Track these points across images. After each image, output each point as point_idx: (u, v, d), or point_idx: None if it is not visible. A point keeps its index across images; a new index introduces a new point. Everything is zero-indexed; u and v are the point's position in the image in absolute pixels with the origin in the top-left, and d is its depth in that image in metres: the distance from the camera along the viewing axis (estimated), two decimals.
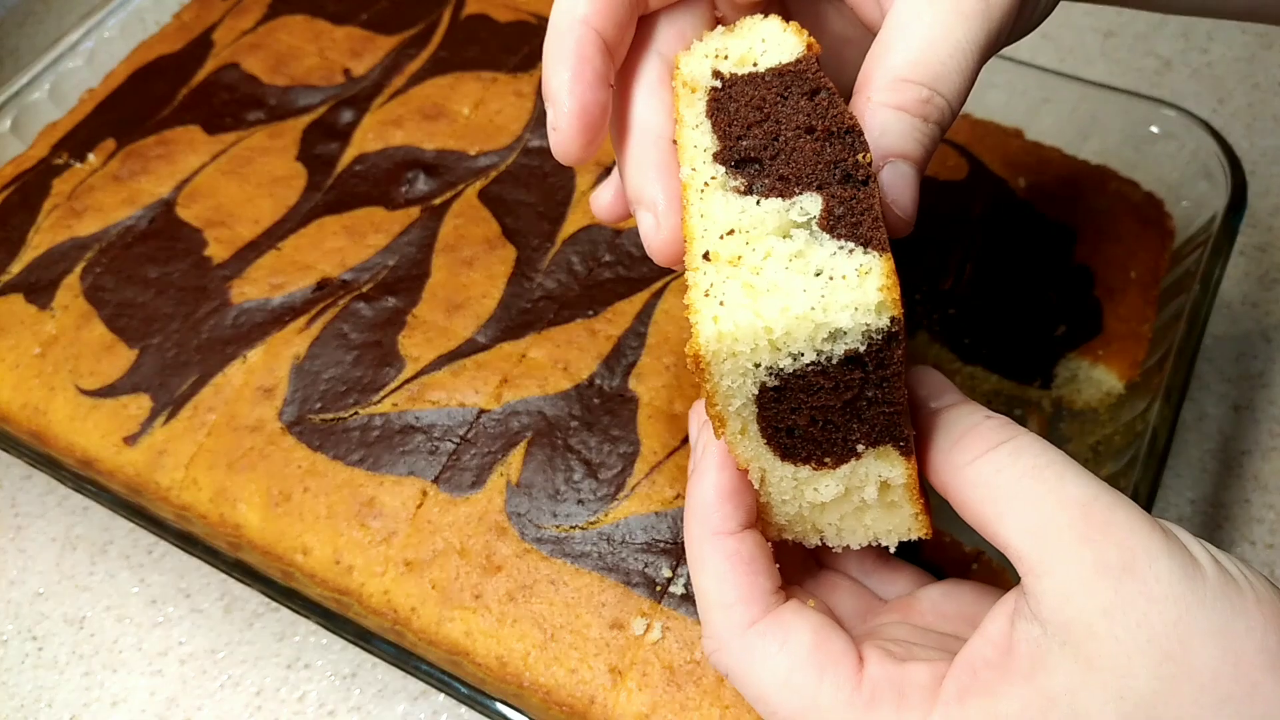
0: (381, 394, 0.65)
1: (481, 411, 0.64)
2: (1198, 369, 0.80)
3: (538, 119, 0.79)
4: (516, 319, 0.68)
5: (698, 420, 0.48)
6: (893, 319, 0.36)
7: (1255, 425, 0.78)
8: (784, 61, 0.43)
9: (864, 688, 0.40)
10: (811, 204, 0.39)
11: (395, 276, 0.71)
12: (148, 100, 0.83)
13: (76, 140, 0.82)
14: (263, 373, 0.67)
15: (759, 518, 0.46)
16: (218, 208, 0.75)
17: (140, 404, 0.67)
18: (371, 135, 0.79)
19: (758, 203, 0.40)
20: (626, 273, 0.70)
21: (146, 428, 0.67)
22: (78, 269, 0.73)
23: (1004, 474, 0.40)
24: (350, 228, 0.74)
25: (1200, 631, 0.35)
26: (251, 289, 0.71)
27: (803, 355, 0.38)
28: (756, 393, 0.40)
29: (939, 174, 0.75)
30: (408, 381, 0.66)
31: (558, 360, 0.66)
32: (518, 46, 0.84)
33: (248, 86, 0.83)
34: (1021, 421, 0.74)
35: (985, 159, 0.76)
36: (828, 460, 0.42)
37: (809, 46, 0.43)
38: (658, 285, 0.69)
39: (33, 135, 0.84)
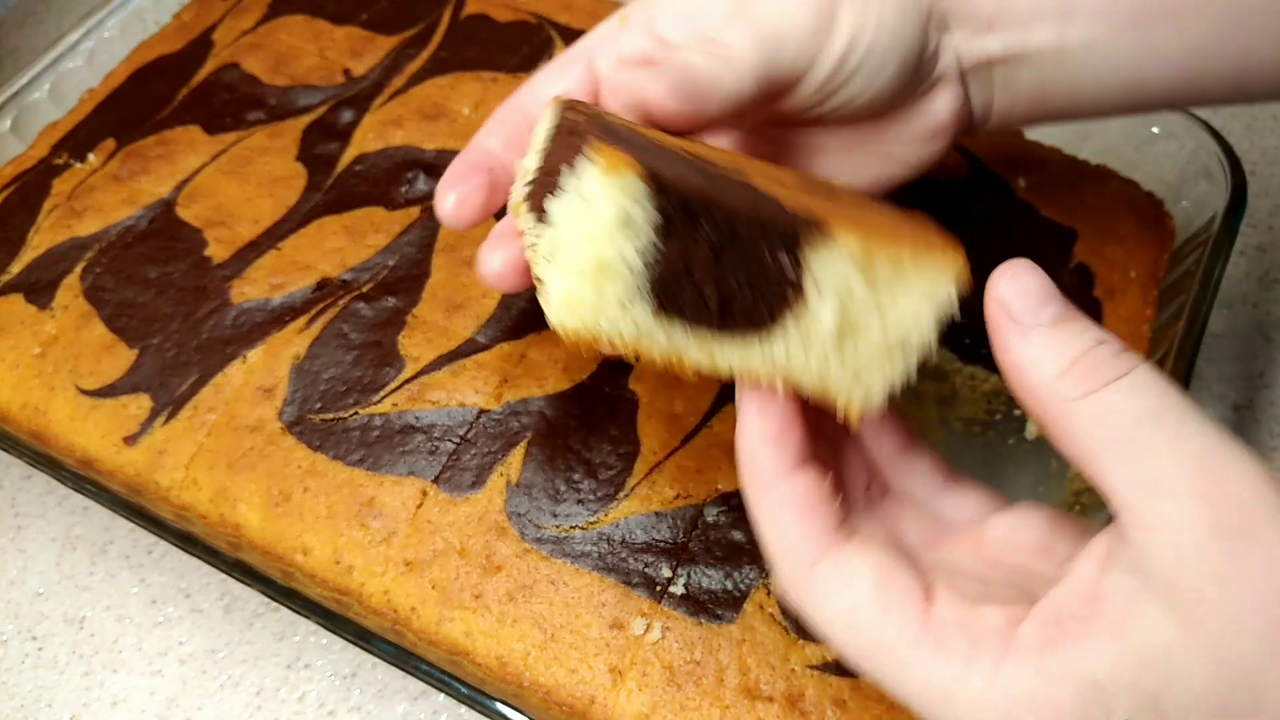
0: (381, 394, 0.65)
1: (481, 411, 0.64)
2: (1197, 369, 0.80)
3: None
4: (517, 319, 0.68)
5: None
6: (640, 173, 0.37)
7: (1255, 425, 0.78)
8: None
9: (931, 626, 0.38)
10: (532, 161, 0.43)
11: (395, 276, 0.71)
12: (148, 100, 0.84)
13: (76, 140, 0.82)
14: (263, 373, 0.67)
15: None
16: (218, 208, 0.76)
17: (140, 404, 0.67)
18: (372, 135, 0.79)
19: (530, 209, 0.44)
20: None
21: (146, 428, 0.67)
22: (78, 269, 0.73)
23: (1120, 415, 0.36)
24: (350, 228, 0.74)
25: None
26: (251, 289, 0.71)
27: (635, 262, 0.38)
28: (652, 314, 0.40)
29: (938, 173, 0.75)
30: (408, 381, 0.66)
31: (558, 360, 0.66)
32: (518, 46, 0.84)
33: (248, 86, 0.83)
34: (1021, 421, 0.74)
35: (985, 159, 0.76)
36: (772, 313, 0.40)
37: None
38: None
39: (32, 135, 0.84)
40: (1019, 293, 0.40)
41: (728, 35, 0.48)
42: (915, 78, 0.53)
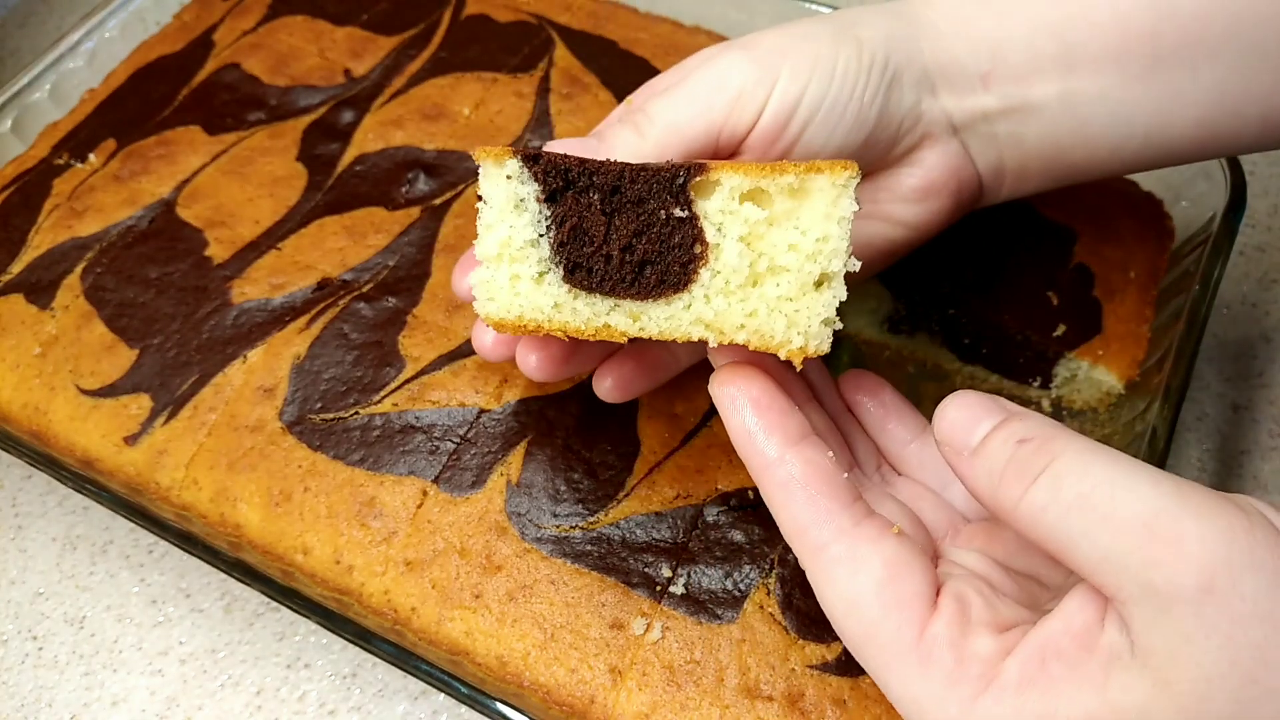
0: (382, 394, 0.65)
1: (482, 411, 0.64)
2: (1197, 369, 0.80)
3: (538, 119, 0.79)
4: None
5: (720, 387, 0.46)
6: (515, 154, 0.42)
7: (1255, 425, 0.78)
8: None
9: (925, 640, 0.39)
10: None
11: (395, 276, 0.71)
12: (148, 100, 0.84)
13: (77, 140, 0.82)
14: (263, 372, 0.67)
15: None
16: (218, 208, 0.76)
17: (141, 404, 0.67)
18: (372, 135, 0.79)
19: None
20: None
21: (147, 427, 0.67)
22: (78, 269, 0.73)
23: (1049, 512, 0.37)
24: (351, 228, 0.74)
25: None
26: (252, 289, 0.71)
27: (532, 235, 0.43)
28: (566, 286, 0.43)
29: None
30: (408, 381, 0.66)
31: None
32: (518, 47, 0.84)
33: (248, 87, 0.83)
34: None
35: None
36: (684, 268, 0.43)
37: None
38: None
39: (33, 135, 0.84)
40: (949, 428, 0.43)
41: (654, 106, 0.51)
42: (887, 134, 0.54)
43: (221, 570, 0.62)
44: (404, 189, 0.76)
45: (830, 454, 0.44)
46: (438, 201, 0.75)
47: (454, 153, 0.78)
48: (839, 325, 0.43)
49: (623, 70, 0.82)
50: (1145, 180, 0.77)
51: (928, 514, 0.48)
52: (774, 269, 0.42)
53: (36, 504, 0.77)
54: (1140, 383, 0.69)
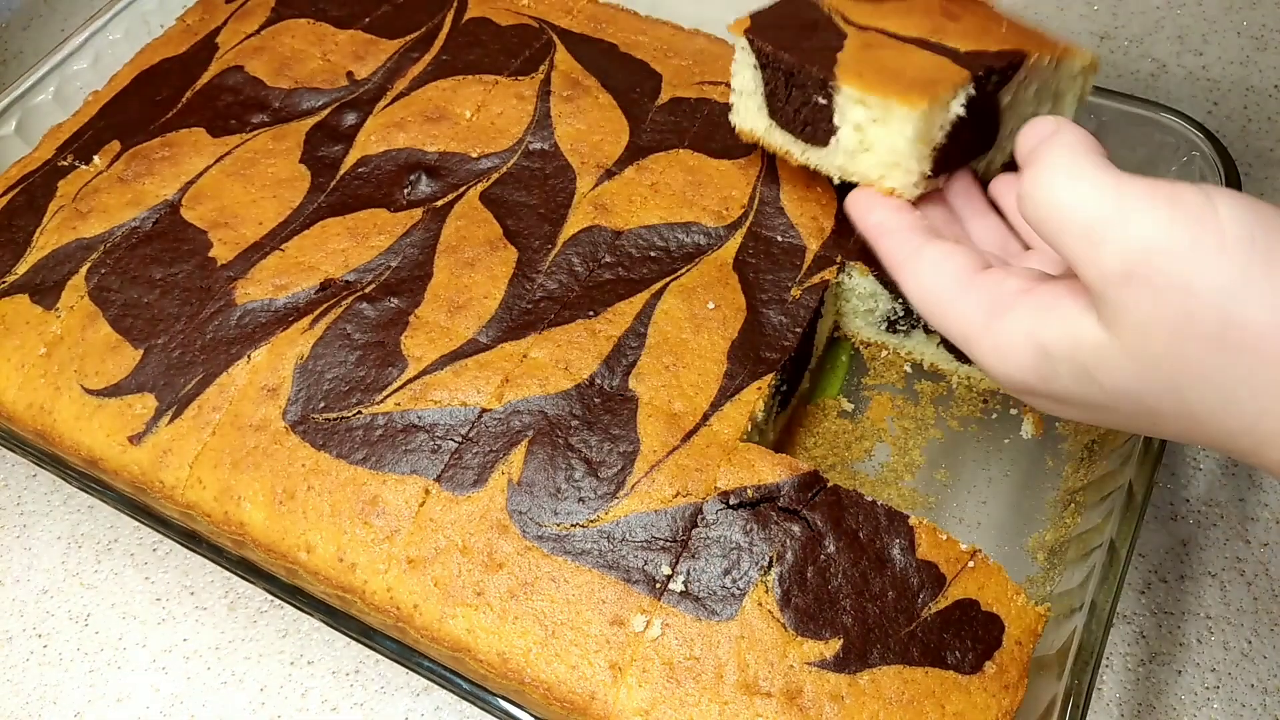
0: (384, 393, 0.66)
1: (483, 411, 0.65)
2: None
3: (538, 121, 0.80)
4: (518, 319, 0.69)
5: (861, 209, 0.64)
6: (747, 43, 0.68)
7: None
8: None
9: (975, 280, 0.52)
10: None
11: (398, 277, 0.72)
12: (152, 103, 0.84)
13: (81, 142, 0.82)
14: (267, 372, 0.68)
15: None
16: (222, 209, 0.76)
17: (145, 403, 0.68)
18: (374, 138, 0.80)
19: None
20: (627, 274, 0.71)
21: (151, 427, 0.67)
22: (83, 270, 0.74)
23: (1031, 212, 0.48)
24: (353, 229, 0.74)
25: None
26: (256, 290, 0.72)
27: (750, 87, 0.70)
28: (768, 119, 0.70)
29: None
30: (410, 381, 0.66)
31: (559, 360, 0.67)
32: (519, 50, 0.85)
33: (251, 89, 0.84)
34: (1017, 420, 0.75)
35: None
36: (825, 134, 0.66)
37: None
38: (657, 286, 0.70)
39: (37, 137, 0.84)
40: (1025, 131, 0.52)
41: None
42: None
43: (225, 568, 0.62)
44: (406, 190, 0.77)
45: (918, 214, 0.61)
46: (440, 203, 0.76)
47: (456, 155, 0.78)
48: (926, 175, 0.63)
49: (623, 72, 0.83)
50: None
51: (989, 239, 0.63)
52: (873, 145, 0.63)
53: (41, 502, 0.78)
54: None
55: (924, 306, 0.55)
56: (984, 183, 0.67)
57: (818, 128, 0.66)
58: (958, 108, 0.61)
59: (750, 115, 0.71)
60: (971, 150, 0.66)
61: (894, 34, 0.67)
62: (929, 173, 0.63)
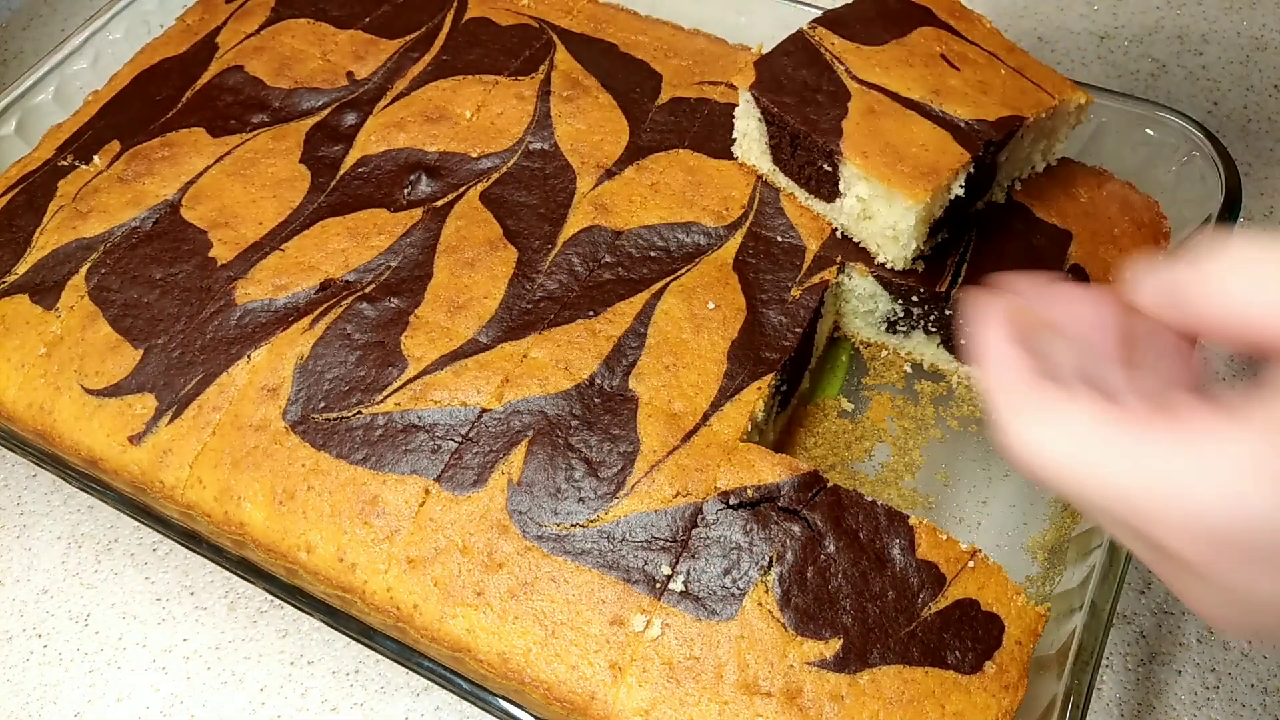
0: (384, 393, 0.66)
1: (483, 411, 0.65)
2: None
3: (538, 121, 0.80)
4: (518, 319, 0.69)
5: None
6: (754, 100, 0.72)
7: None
8: None
9: (1153, 418, 0.38)
10: None
11: (398, 277, 0.72)
12: (152, 103, 0.84)
13: (81, 142, 0.82)
14: (267, 372, 0.68)
15: None
16: (222, 209, 0.76)
17: (145, 403, 0.68)
18: (374, 138, 0.80)
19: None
20: (627, 274, 0.71)
21: (151, 427, 0.67)
22: (83, 270, 0.74)
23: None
24: (353, 229, 0.74)
25: None
26: (256, 290, 0.72)
27: (756, 133, 0.73)
28: (771, 161, 0.74)
29: None
30: (410, 381, 0.66)
31: (559, 360, 0.67)
32: (519, 50, 0.85)
33: (252, 89, 0.84)
34: None
35: None
36: (833, 192, 0.70)
37: None
38: (657, 286, 0.70)
39: (38, 137, 0.84)
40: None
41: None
42: None
43: (225, 568, 0.62)
44: (406, 190, 0.77)
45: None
46: (440, 203, 0.76)
47: (456, 155, 0.78)
48: (915, 254, 0.68)
49: (622, 72, 0.83)
50: (1140, 183, 0.78)
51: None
52: (874, 215, 0.68)
53: (41, 502, 0.78)
54: None
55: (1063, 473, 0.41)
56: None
57: (822, 186, 0.70)
58: (958, 189, 0.66)
59: (754, 155, 0.74)
60: (965, 206, 0.70)
61: (896, 94, 0.69)
62: (924, 248, 0.69)
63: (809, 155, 0.69)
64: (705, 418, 0.64)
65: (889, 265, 0.69)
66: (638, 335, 0.67)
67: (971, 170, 0.66)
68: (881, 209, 0.67)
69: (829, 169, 0.68)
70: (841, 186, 0.68)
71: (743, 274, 0.70)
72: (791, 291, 0.69)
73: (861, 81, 0.69)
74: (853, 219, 0.70)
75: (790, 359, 0.67)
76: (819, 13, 0.86)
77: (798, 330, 0.67)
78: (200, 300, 0.72)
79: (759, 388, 0.65)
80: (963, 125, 0.67)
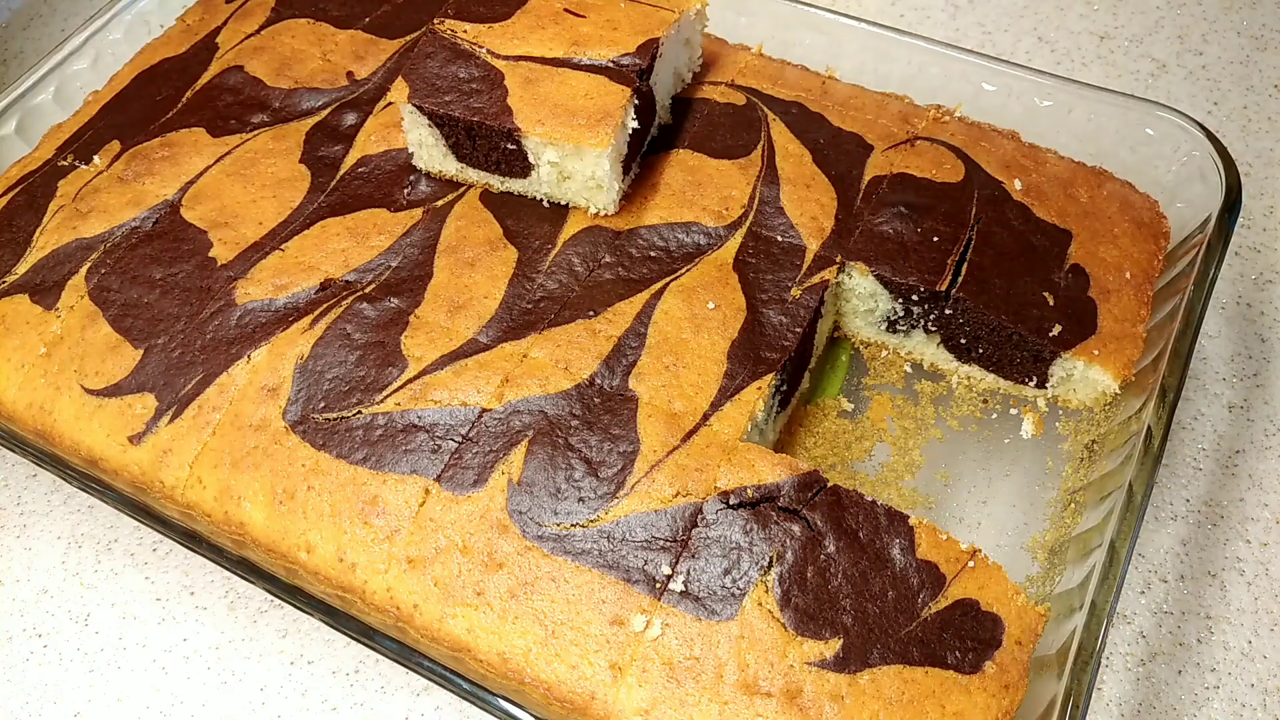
0: (385, 393, 0.66)
1: (483, 411, 0.65)
2: (1192, 368, 0.81)
3: None
4: (518, 319, 0.69)
5: None
6: (417, 109, 0.73)
7: (1250, 424, 0.78)
8: None
9: None
10: None
11: (398, 277, 0.72)
12: (152, 103, 0.84)
13: (82, 142, 0.82)
14: (267, 372, 0.68)
15: None
16: (222, 209, 0.76)
17: (145, 403, 0.68)
18: (374, 138, 0.80)
19: None
20: (627, 273, 0.71)
21: (151, 427, 0.67)
22: (83, 270, 0.74)
23: None
24: (353, 229, 0.74)
25: None
26: (256, 289, 0.72)
27: (430, 140, 0.75)
28: (457, 162, 0.76)
29: (935, 175, 0.76)
30: (410, 381, 0.66)
31: (559, 360, 0.67)
32: None
33: (252, 89, 0.84)
34: (1017, 420, 0.74)
35: (981, 161, 0.77)
36: (525, 166, 0.73)
37: None
38: (657, 286, 0.70)
39: (38, 137, 0.84)
40: None
41: None
42: None
43: (225, 568, 0.62)
44: (406, 191, 0.77)
45: None
46: (440, 203, 0.76)
47: None
48: (620, 194, 0.74)
49: None
50: (1140, 182, 0.78)
51: None
52: (571, 175, 0.72)
53: (41, 502, 0.78)
54: (1136, 382, 0.69)
55: None
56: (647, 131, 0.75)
57: (513, 165, 0.73)
58: (630, 122, 0.71)
59: (438, 161, 0.76)
60: (643, 135, 0.75)
61: (542, 58, 0.73)
62: (624, 186, 0.74)
63: (490, 142, 0.72)
64: (705, 418, 0.64)
65: (603, 213, 0.73)
66: (638, 335, 0.67)
67: (636, 102, 0.71)
68: (575, 166, 0.71)
69: (513, 147, 0.71)
70: (531, 159, 0.72)
71: (743, 274, 0.70)
72: (792, 291, 0.69)
73: (506, 58, 0.73)
74: (554, 185, 0.73)
75: (790, 358, 0.67)
76: (819, 12, 0.87)
77: (798, 330, 0.67)
78: (200, 300, 0.71)
79: (759, 387, 0.65)
80: (611, 65, 0.72)
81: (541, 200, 0.75)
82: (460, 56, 0.73)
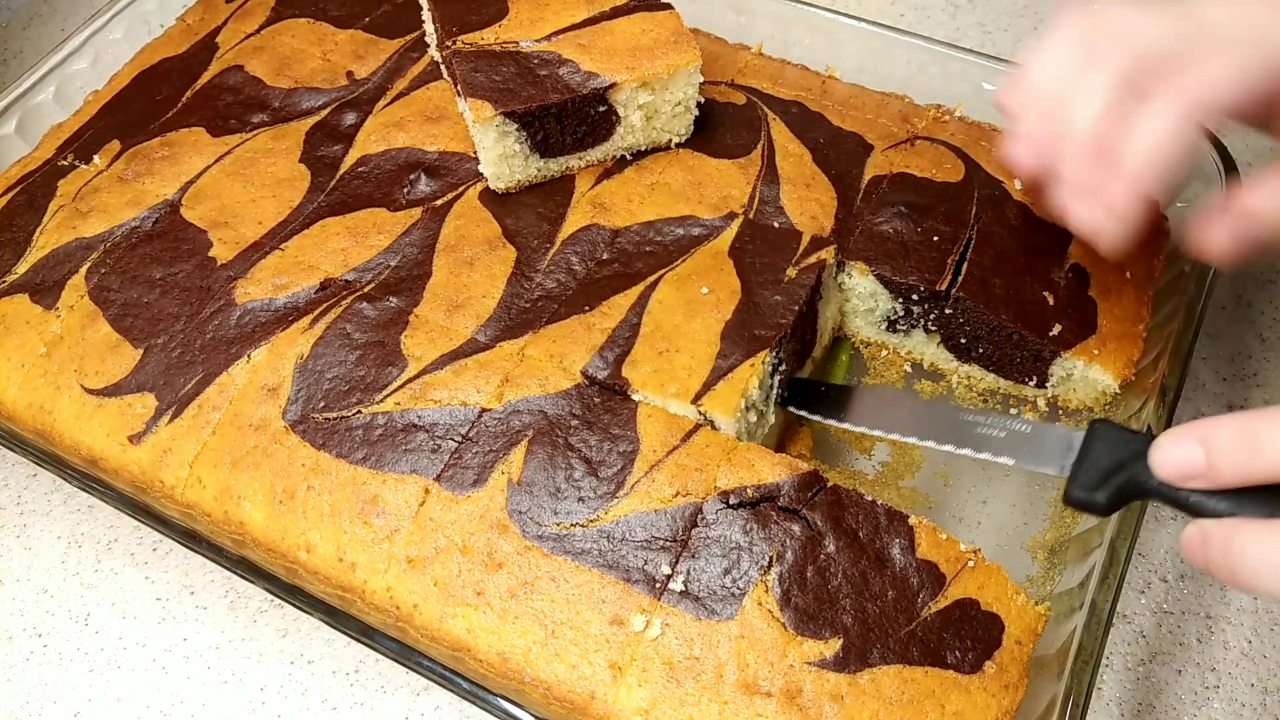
0: (384, 393, 0.66)
1: (483, 410, 0.65)
2: (1192, 368, 0.80)
3: None
4: (516, 318, 0.69)
5: None
6: (493, 114, 0.71)
7: None
8: None
9: None
10: None
11: (397, 277, 0.72)
12: (152, 102, 0.84)
13: (82, 142, 0.82)
14: (267, 372, 0.68)
15: None
16: (222, 209, 0.76)
17: (145, 403, 0.68)
18: (374, 137, 0.80)
19: None
20: (623, 269, 0.71)
21: (151, 427, 0.67)
22: (83, 269, 0.74)
23: None
24: (353, 229, 0.74)
25: None
26: (256, 289, 0.72)
27: (515, 146, 0.74)
28: (541, 159, 0.76)
29: (935, 175, 0.76)
30: (410, 380, 0.66)
31: (553, 355, 0.67)
32: None
33: (252, 89, 0.84)
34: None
35: (981, 160, 0.77)
36: (609, 129, 0.75)
37: None
38: (652, 278, 0.70)
39: (38, 137, 0.84)
40: None
41: None
42: None
43: (225, 568, 0.62)
44: (406, 190, 0.77)
45: None
46: (439, 202, 0.76)
47: (455, 154, 0.78)
48: (683, 133, 0.78)
49: None
50: None
51: None
52: (658, 112, 0.75)
53: (41, 502, 0.78)
54: (1136, 382, 0.69)
55: None
56: None
57: (598, 131, 0.75)
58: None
59: (519, 170, 0.75)
60: None
61: (574, 25, 0.75)
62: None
63: (579, 116, 0.73)
64: (698, 397, 0.63)
65: (679, 142, 0.77)
66: (631, 326, 0.67)
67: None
68: (664, 98, 0.74)
69: (603, 109, 0.73)
70: (621, 113, 0.74)
71: (738, 259, 0.70)
72: (787, 272, 0.69)
73: (544, 39, 0.74)
74: (642, 131, 0.75)
75: (787, 336, 0.66)
76: (819, 12, 0.87)
77: (794, 308, 0.67)
78: (200, 300, 0.72)
79: (752, 364, 0.64)
80: (637, 1, 0.76)
81: (622, 156, 0.77)
82: (502, 59, 0.73)
